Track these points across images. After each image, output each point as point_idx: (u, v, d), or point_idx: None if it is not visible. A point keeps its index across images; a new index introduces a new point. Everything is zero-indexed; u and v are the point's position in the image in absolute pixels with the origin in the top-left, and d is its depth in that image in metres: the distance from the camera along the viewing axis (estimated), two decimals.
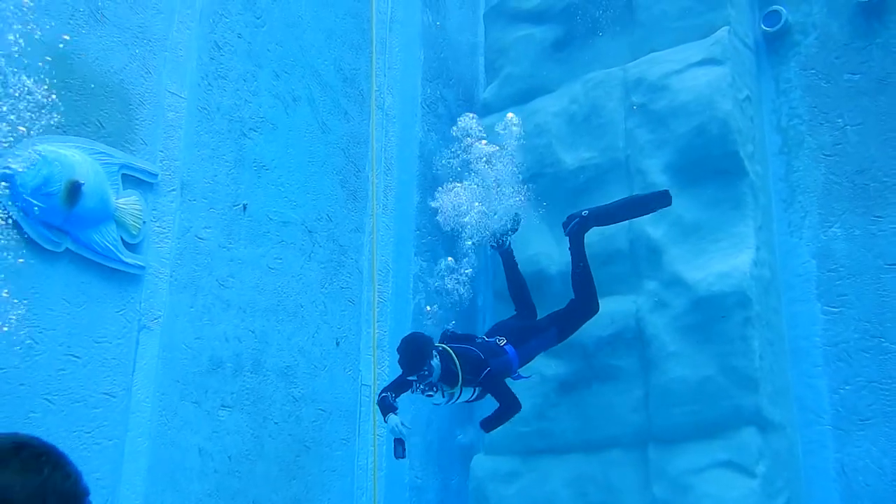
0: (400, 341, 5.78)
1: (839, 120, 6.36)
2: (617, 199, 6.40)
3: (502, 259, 6.81)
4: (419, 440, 6.99)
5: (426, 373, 5.58)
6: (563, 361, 6.49)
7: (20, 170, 4.59)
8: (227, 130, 6.00)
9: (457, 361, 5.75)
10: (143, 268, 5.24)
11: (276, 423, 5.94)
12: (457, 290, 6.87)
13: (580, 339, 6.41)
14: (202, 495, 5.38)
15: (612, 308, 6.35)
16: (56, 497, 1.46)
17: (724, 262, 5.98)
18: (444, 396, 5.84)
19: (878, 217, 6.08)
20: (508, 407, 5.97)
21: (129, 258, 5.15)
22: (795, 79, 6.63)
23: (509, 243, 6.79)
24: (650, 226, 6.32)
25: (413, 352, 5.60)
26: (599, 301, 6.27)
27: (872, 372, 5.91)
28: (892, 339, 5.88)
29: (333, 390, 6.34)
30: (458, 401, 5.96)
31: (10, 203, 4.59)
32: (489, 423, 6.08)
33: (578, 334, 6.35)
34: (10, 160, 4.60)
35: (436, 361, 5.65)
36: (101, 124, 5.19)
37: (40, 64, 4.77)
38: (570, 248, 6.31)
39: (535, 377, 6.54)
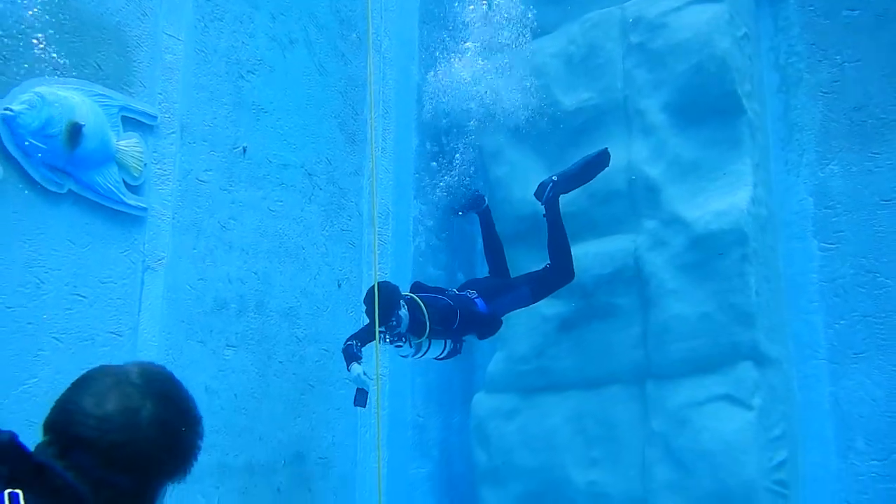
0: (366, 292, 5.70)
1: (837, 57, 6.36)
2: (572, 164, 6.43)
3: (480, 220, 6.81)
4: (421, 380, 7.10)
5: (394, 323, 5.50)
6: (562, 301, 6.55)
7: (21, 111, 4.60)
8: (225, 73, 6.00)
9: (425, 311, 5.68)
10: (145, 209, 5.28)
11: (280, 362, 6.04)
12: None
13: (579, 278, 6.47)
14: (209, 431, 5.42)
15: (611, 247, 6.41)
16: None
17: (721, 200, 6.01)
18: (411, 347, 5.77)
19: (875, 154, 6.12)
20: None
21: (131, 200, 5.19)
22: (794, 16, 6.61)
23: (486, 205, 6.81)
24: (648, 165, 6.34)
25: (381, 302, 5.42)
26: (598, 239, 6.33)
27: (867, 306, 5.99)
28: (887, 274, 5.96)
29: (336, 331, 6.42)
30: (427, 355, 5.91)
31: (12, 144, 4.61)
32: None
33: (578, 274, 6.41)
34: (10, 102, 4.62)
35: (404, 311, 5.58)
36: (99, 66, 5.18)
37: (36, 9, 4.76)
38: (545, 216, 6.29)
39: (536, 318, 6.63)
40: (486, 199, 6.87)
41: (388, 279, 6.85)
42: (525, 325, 6.68)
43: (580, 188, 6.39)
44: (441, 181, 7.37)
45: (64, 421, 1.50)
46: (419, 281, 6.39)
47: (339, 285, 6.57)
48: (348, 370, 5.61)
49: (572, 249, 6.39)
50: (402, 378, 6.91)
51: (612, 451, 6.21)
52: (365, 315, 5.73)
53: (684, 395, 5.94)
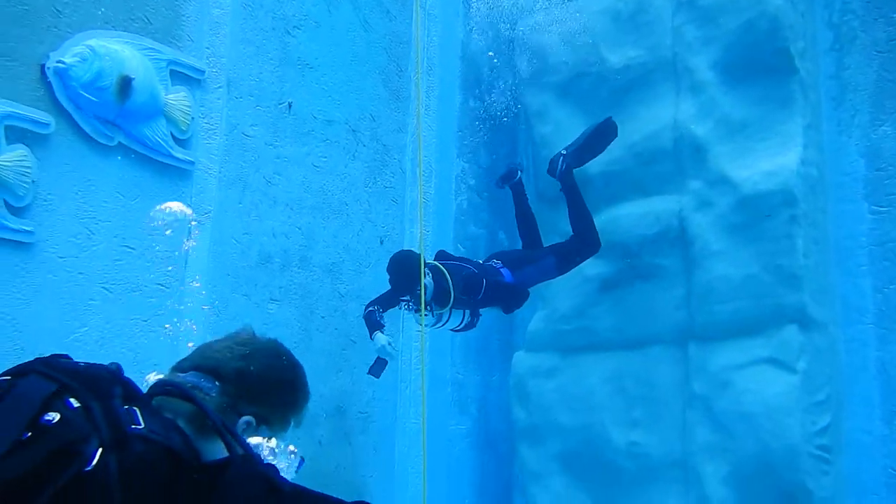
0: (390, 260, 5.64)
1: (894, 15, 6.19)
2: (579, 136, 6.39)
3: (512, 193, 6.72)
4: (460, 338, 7.12)
5: (419, 291, 5.39)
6: (605, 261, 6.52)
7: (73, 64, 4.64)
8: (271, 28, 5.99)
9: (449, 279, 5.57)
10: (192, 163, 5.32)
11: (322, 317, 6.09)
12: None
13: (622, 238, 6.44)
14: None
15: (656, 207, 6.35)
16: None
17: (770, 160, 5.92)
18: (433, 317, 5.68)
19: None
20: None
21: (179, 153, 5.23)
22: None
23: (520, 177, 6.73)
24: (696, 124, 6.26)
25: (407, 270, 5.42)
26: (643, 200, 6.27)
27: None
28: None
29: (378, 287, 6.43)
30: (446, 326, 5.82)
31: (64, 97, 4.66)
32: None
33: (622, 234, 6.38)
34: (62, 55, 4.66)
35: (428, 280, 5.47)
36: (147, 20, 5.20)
37: None
38: (562, 191, 6.24)
39: (577, 277, 6.61)
40: (521, 172, 6.74)
41: (429, 237, 6.87)
42: (566, 284, 6.65)
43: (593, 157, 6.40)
44: (484, 139, 7.34)
45: (184, 358, 1.72)
46: (443, 250, 6.34)
47: (382, 242, 6.59)
48: (371, 339, 5.57)
49: (616, 210, 6.35)
50: (442, 335, 6.94)
51: (653, 412, 6.21)
52: (389, 284, 5.64)
53: (727, 357, 5.91)
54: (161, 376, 1.74)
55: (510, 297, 6.03)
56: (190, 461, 1.44)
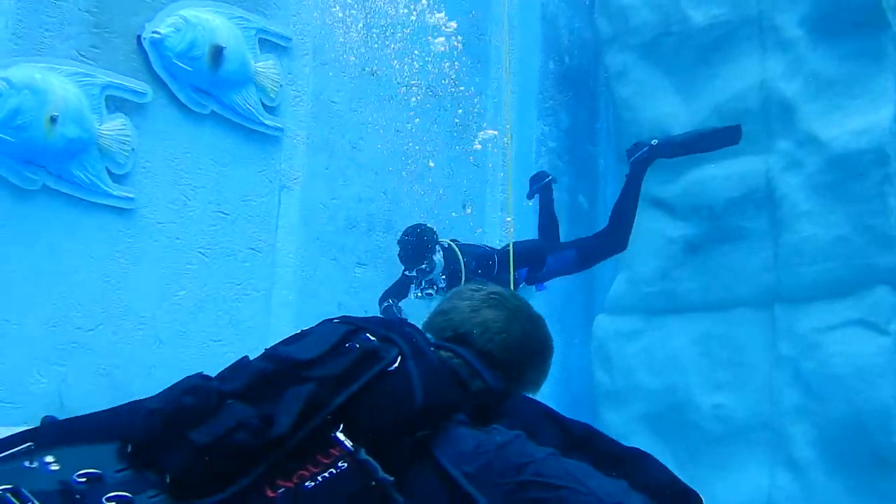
0: (401, 233, 5.48)
1: None
2: (688, 131, 6.11)
3: (540, 196, 6.36)
4: (539, 302, 7.14)
5: (426, 268, 5.26)
6: (688, 223, 6.48)
7: (168, 34, 4.77)
8: None
9: (461, 258, 5.37)
10: (281, 130, 5.42)
11: None
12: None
13: (707, 200, 6.38)
14: None
15: (742, 169, 6.27)
16: None
17: (862, 118, 5.79)
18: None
19: None
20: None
21: (268, 120, 5.33)
22: None
23: (548, 179, 6.36)
24: (783, 82, 6.14)
25: (414, 243, 5.27)
26: (729, 161, 6.17)
27: None
28: None
29: None
30: None
31: (159, 66, 4.79)
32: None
33: (707, 196, 6.31)
34: (157, 25, 4.78)
35: (438, 257, 5.32)
36: None
37: None
38: (627, 175, 5.90)
39: (659, 239, 6.56)
40: (551, 176, 6.51)
41: (510, 203, 6.85)
42: (648, 246, 6.62)
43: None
44: (564, 101, 7.31)
45: (443, 321, 1.72)
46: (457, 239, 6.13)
47: (465, 206, 6.64)
48: None
49: (701, 171, 6.28)
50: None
51: (739, 374, 6.18)
52: (398, 258, 5.45)
53: (816, 318, 5.85)
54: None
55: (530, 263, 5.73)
56: (471, 385, 1.57)
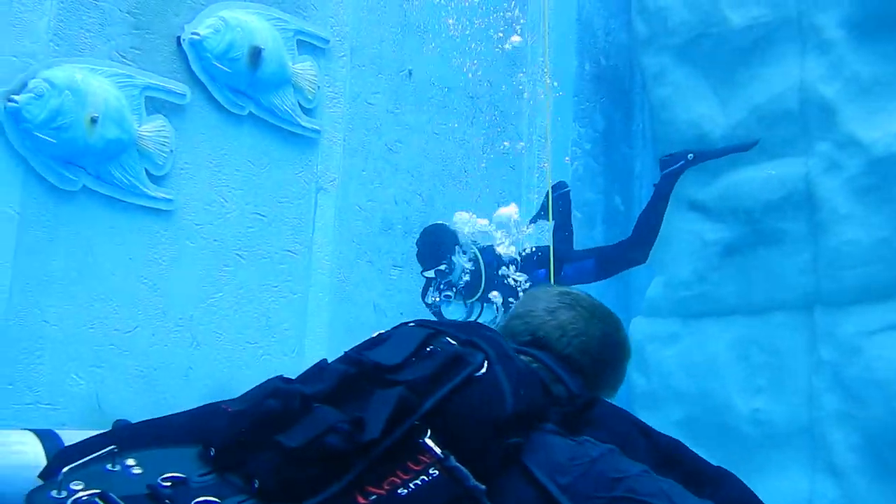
0: (421, 232, 5.50)
1: None
2: (725, 146, 6.21)
3: (559, 204, 6.29)
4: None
5: (445, 269, 5.27)
6: (726, 226, 6.40)
7: (207, 36, 4.79)
8: None
9: (481, 260, 5.34)
10: (318, 132, 5.44)
11: None
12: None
13: (745, 203, 6.31)
14: None
15: (781, 171, 6.19)
16: None
17: None
18: (466, 307, 5.44)
19: None
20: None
21: (306, 122, 5.35)
22: None
23: (565, 189, 6.32)
24: (823, 84, 6.05)
25: (434, 242, 5.28)
26: (767, 163, 6.10)
27: None
28: None
29: None
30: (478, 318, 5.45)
31: (198, 68, 4.82)
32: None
33: (745, 199, 6.24)
34: (196, 27, 4.81)
35: (457, 259, 5.33)
36: None
37: None
38: (656, 185, 5.88)
39: (696, 242, 6.49)
40: (568, 185, 6.39)
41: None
42: (684, 249, 6.56)
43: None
44: (600, 103, 7.26)
45: (521, 325, 1.71)
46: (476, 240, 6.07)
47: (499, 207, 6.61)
48: None
49: (739, 174, 6.21)
50: None
51: (778, 378, 6.10)
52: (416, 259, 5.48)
53: (856, 322, 5.76)
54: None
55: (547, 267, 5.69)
56: (554, 391, 1.56)
